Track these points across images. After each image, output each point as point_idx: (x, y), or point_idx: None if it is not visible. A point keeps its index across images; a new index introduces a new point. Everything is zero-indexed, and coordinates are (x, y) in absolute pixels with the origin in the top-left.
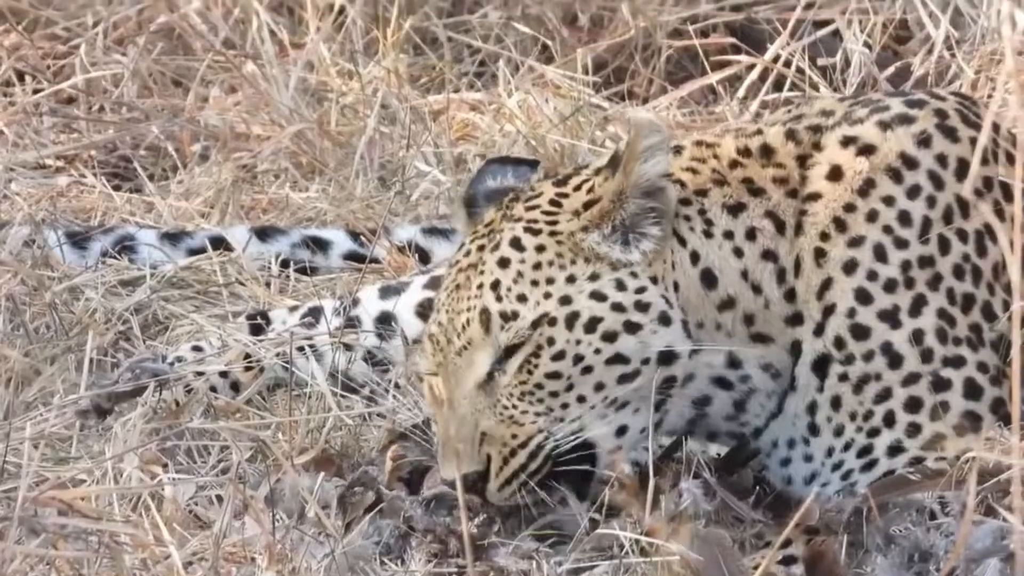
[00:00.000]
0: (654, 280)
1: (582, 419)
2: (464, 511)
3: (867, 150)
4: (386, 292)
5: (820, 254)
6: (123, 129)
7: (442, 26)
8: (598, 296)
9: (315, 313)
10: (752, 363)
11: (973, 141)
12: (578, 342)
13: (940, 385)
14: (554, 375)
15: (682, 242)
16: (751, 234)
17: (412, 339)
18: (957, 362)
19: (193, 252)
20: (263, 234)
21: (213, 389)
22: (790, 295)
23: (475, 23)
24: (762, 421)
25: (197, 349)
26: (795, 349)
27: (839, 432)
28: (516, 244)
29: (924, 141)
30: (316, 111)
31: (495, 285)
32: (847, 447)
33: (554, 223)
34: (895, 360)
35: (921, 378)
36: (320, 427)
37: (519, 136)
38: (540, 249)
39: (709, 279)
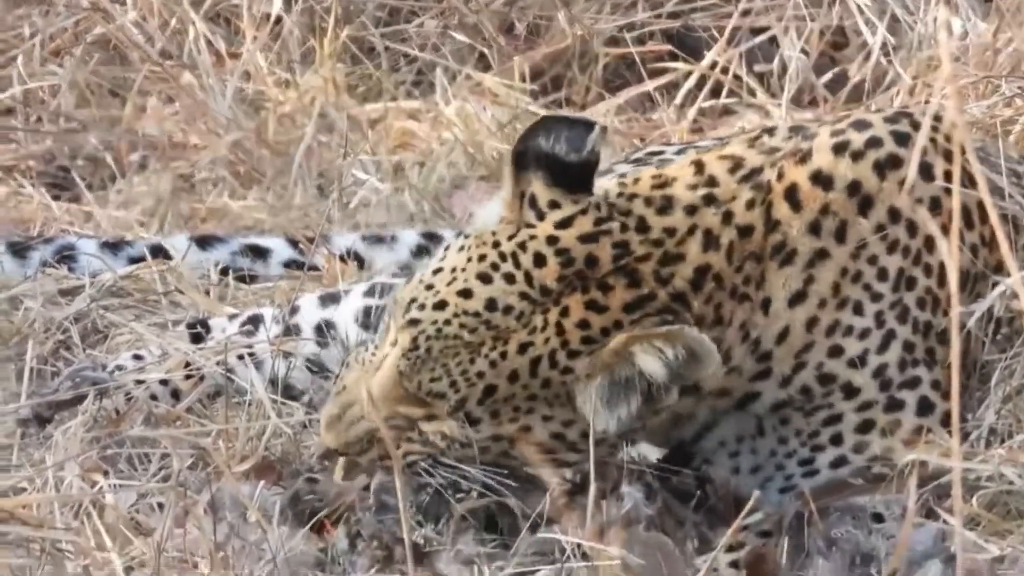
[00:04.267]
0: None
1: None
2: (406, 519)
3: (866, 204)
4: (325, 300)
5: (813, 322)
6: (61, 140)
7: (379, 35)
8: (554, 436)
9: (255, 321)
10: (704, 411)
11: (947, 176)
12: (505, 454)
13: (894, 406)
14: (457, 460)
15: None
16: (745, 335)
17: (351, 347)
18: (913, 383)
19: (133, 261)
20: (203, 242)
21: (153, 397)
22: (764, 357)
23: (412, 32)
24: (689, 435)
25: (137, 358)
26: (751, 397)
27: (783, 441)
28: (533, 366)
29: (909, 190)
30: (254, 120)
31: (489, 391)
32: (789, 455)
33: (575, 357)
34: (851, 393)
35: (876, 403)
36: (260, 434)
37: (457, 144)
38: (546, 384)
39: (693, 390)
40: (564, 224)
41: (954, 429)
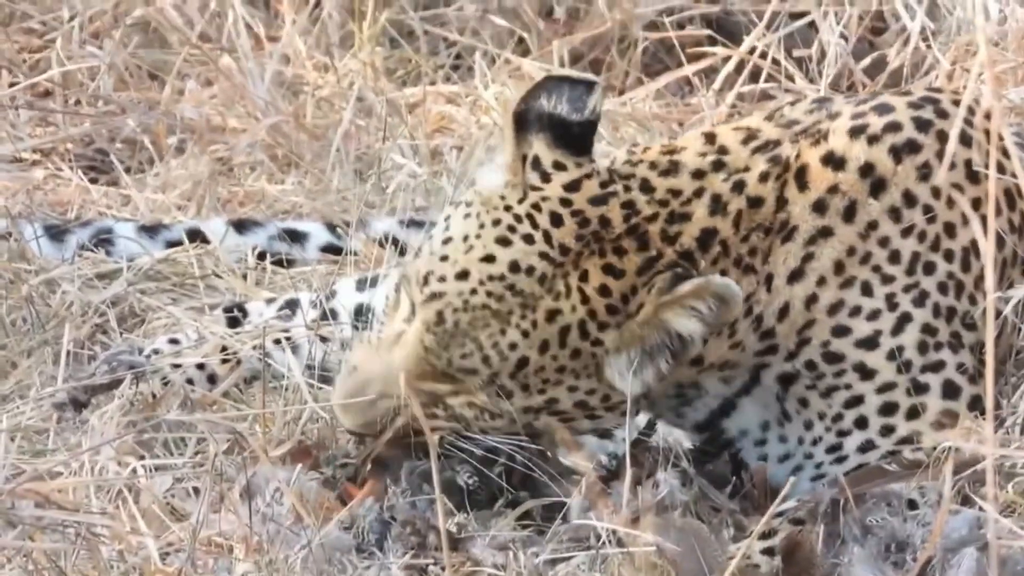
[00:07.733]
0: (641, 396)
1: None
2: (442, 506)
3: (879, 186)
4: (363, 284)
5: (812, 300)
6: (99, 122)
7: (418, 19)
8: (576, 404)
9: (292, 305)
10: (712, 383)
11: (968, 164)
12: (528, 425)
13: (918, 389)
14: (483, 432)
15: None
16: (748, 310)
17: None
18: (936, 366)
19: (170, 245)
20: (240, 226)
21: (190, 381)
22: (767, 335)
23: (451, 16)
24: (702, 416)
25: (174, 342)
26: (760, 368)
27: (808, 426)
28: (562, 336)
29: (926, 176)
30: (292, 104)
31: (522, 363)
32: (815, 442)
33: (604, 329)
34: (868, 374)
35: (897, 386)
36: (296, 419)
37: (495, 128)
38: (575, 355)
39: (696, 362)
40: (572, 187)
41: (988, 415)
